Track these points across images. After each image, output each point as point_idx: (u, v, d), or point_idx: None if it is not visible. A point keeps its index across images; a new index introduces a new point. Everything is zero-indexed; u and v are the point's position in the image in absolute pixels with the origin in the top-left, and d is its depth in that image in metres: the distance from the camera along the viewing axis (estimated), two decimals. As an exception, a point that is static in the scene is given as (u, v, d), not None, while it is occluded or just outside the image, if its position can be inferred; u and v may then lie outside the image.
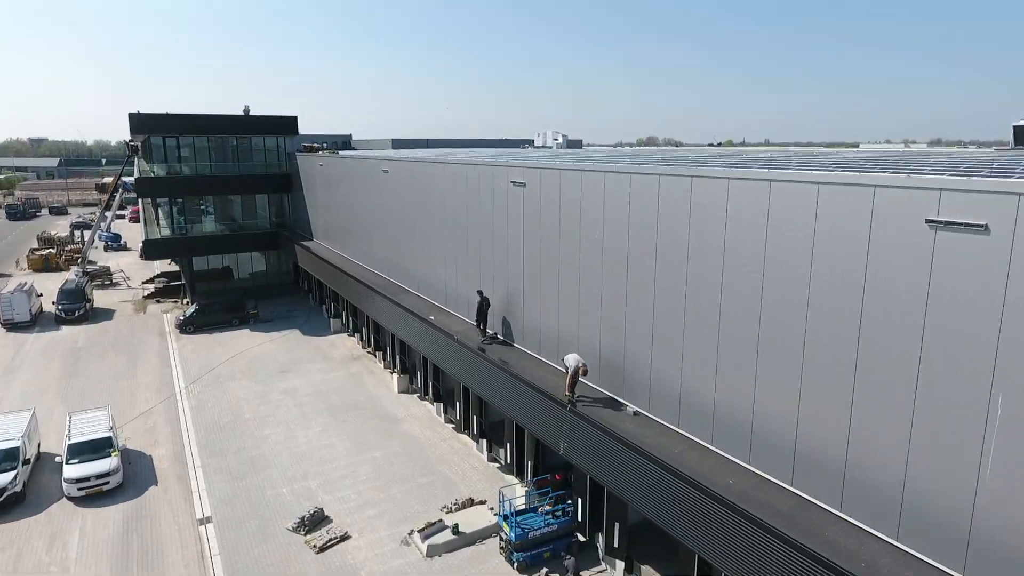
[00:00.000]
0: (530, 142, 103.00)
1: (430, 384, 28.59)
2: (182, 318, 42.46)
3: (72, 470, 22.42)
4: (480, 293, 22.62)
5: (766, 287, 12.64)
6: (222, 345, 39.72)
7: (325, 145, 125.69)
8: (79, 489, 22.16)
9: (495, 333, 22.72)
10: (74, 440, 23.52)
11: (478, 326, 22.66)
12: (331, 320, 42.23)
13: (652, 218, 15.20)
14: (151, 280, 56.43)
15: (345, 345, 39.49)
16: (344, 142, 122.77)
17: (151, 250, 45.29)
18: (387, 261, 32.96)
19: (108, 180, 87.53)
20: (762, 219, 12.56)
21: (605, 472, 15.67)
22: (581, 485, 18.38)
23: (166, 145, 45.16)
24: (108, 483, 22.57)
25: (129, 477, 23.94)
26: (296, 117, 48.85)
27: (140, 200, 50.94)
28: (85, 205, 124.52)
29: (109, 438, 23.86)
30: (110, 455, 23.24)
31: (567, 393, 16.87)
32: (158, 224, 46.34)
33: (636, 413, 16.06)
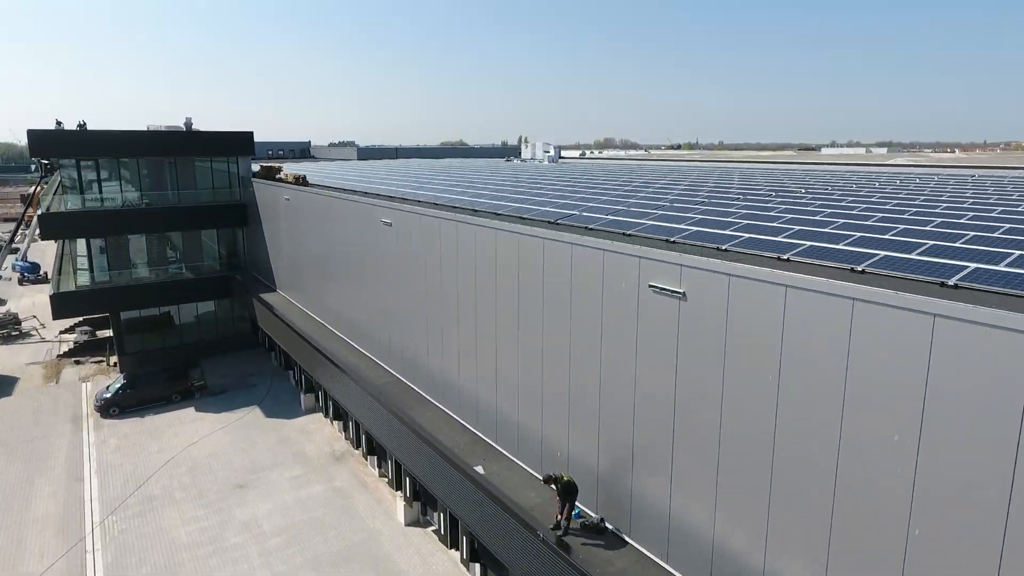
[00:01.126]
0: (515, 152, 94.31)
1: (462, 538, 19.73)
2: (105, 397, 32.56)
3: None
4: (551, 479, 14.16)
5: None
6: (157, 438, 30.06)
7: (282, 152, 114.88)
8: None
9: (601, 519, 14.03)
10: None
11: (561, 511, 13.99)
12: (302, 395, 32.91)
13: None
14: (71, 329, 45.92)
15: (323, 434, 30.28)
16: (302, 150, 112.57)
17: (64, 306, 35.00)
18: (389, 347, 23.90)
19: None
20: None
21: None
22: None
23: (81, 170, 35.03)
24: None
25: None
26: (251, 134, 39.24)
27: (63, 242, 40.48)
28: (7, 220, 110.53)
29: None
30: None
31: None
32: (73, 271, 36.15)
33: None
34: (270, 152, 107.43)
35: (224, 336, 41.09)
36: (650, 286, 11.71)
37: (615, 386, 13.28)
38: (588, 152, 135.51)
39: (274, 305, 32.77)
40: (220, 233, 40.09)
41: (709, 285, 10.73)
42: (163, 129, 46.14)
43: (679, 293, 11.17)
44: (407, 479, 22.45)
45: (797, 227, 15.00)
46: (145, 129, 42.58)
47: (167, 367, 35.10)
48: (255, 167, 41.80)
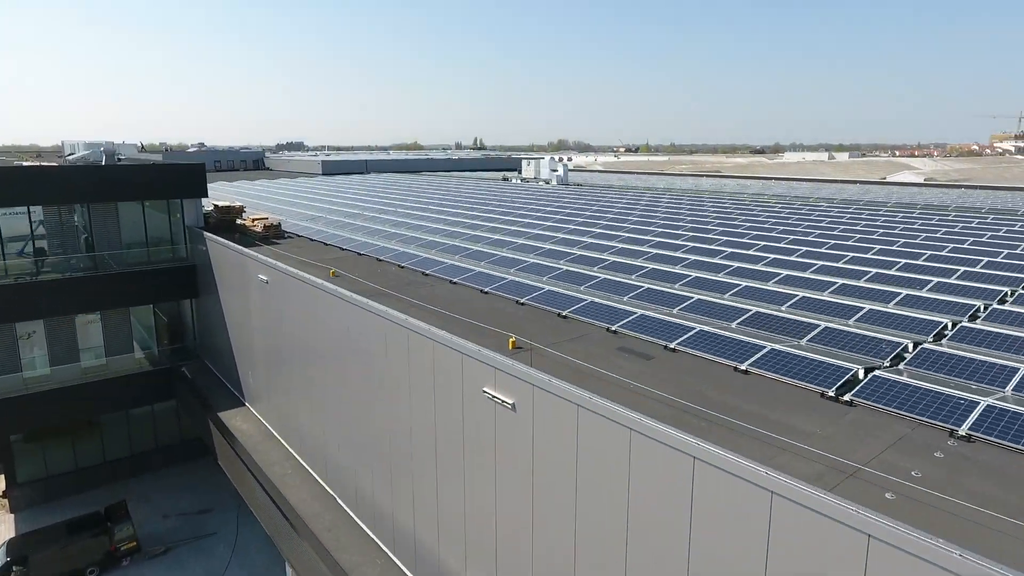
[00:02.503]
0: (514, 168, 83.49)
1: None
2: (-24, 585, 20.93)
3: None
4: None
5: None
6: (57, 672, 18.60)
7: (233, 163, 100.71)
8: None
9: None
10: None
11: None
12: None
13: None
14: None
15: (327, 651, 19.26)
16: (256, 161, 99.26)
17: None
18: None
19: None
20: None
21: None
22: None
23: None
24: None
25: None
26: (203, 166, 27.72)
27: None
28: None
29: None
30: None
31: None
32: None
33: None
34: (218, 162, 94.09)
35: (166, 445, 29.47)
36: None
37: None
38: (556, 158, 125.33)
39: (244, 441, 21.40)
40: (159, 309, 28.40)
41: None
42: (81, 151, 34.29)
43: None
44: None
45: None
46: (59, 147, 30.76)
47: (74, 521, 23.49)
48: (206, 205, 30.35)
